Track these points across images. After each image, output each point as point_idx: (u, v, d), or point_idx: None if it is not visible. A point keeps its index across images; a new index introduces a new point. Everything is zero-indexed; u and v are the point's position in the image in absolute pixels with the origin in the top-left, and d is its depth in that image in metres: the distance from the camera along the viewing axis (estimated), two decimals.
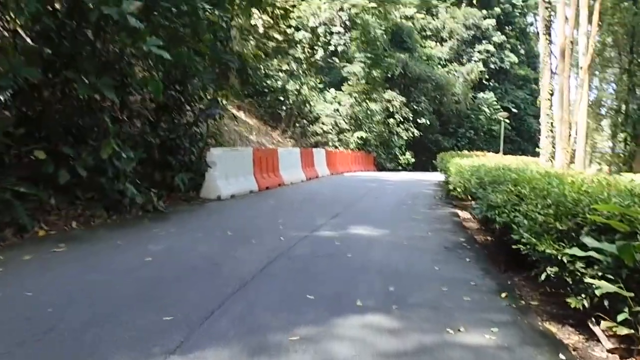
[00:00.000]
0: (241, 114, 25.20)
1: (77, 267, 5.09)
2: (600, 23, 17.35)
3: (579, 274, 3.78)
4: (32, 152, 6.89)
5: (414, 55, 36.37)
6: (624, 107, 26.98)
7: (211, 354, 3.23)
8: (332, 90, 29.33)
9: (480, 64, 41.80)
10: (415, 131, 32.66)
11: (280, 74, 27.75)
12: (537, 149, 53.95)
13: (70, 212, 7.33)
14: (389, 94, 31.58)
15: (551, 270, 4.05)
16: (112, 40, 7.91)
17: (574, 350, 3.78)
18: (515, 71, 45.65)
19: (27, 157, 7.02)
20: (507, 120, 36.85)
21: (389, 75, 31.90)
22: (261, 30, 24.54)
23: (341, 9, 25.18)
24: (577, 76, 16.23)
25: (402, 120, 32.64)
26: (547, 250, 3.92)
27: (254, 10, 24.78)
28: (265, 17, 24.41)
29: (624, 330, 3.47)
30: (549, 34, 16.09)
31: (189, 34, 11.60)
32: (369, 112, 28.47)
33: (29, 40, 7.68)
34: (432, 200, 12.92)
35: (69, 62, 7.45)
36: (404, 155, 32.53)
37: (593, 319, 3.86)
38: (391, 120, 32.05)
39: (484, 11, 42.95)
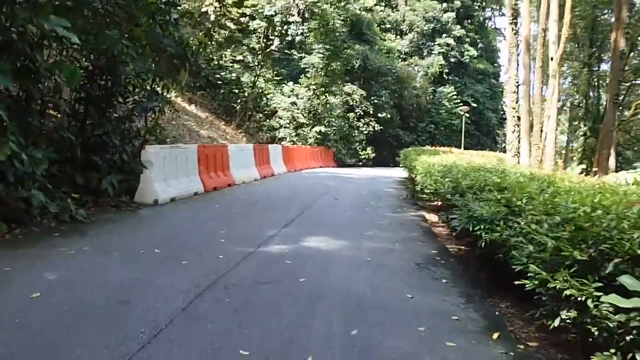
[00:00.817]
0: (192, 108, 23.67)
1: None
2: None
3: (609, 324, 2.73)
4: None
5: (374, 48, 35.46)
6: (583, 101, 26.80)
7: None
8: (290, 83, 28.06)
9: (441, 58, 41.33)
10: (376, 125, 31.76)
11: (234, 65, 26.28)
12: (496, 144, 54.64)
13: None
14: (348, 87, 30.54)
15: (568, 314, 3.00)
16: (11, 16, 6.44)
17: None
18: (475, 65, 45.47)
19: None
20: (467, 115, 36.51)
21: (349, 68, 30.85)
22: (212, 17, 23.05)
23: None
24: (540, 68, 15.52)
25: (362, 114, 31.68)
26: (567, 291, 2.86)
27: None
28: (216, 3, 22.95)
29: None
30: (515, 24, 15.33)
31: (122, 16, 10.20)
32: (328, 105, 27.33)
33: None
34: (397, 200, 11.90)
35: None
36: (365, 150, 31.59)
37: None
38: (351, 115, 31.04)
39: (444, 4, 42.49)
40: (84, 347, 3.26)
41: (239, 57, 24.98)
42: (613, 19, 26.69)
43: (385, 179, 19.22)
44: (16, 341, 3.32)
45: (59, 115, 8.85)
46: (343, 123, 29.50)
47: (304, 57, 26.76)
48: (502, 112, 51.89)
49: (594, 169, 22.58)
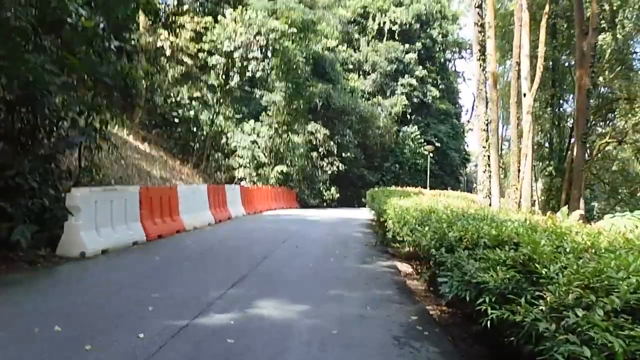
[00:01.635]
0: (145, 146, 22.19)
1: None
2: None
3: None
4: None
5: (337, 87, 34.95)
6: (547, 140, 26.64)
7: None
8: (252, 121, 26.99)
9: (404, 98, 41.25)
10: (340, 165, 30.87)
11: (192, 102, 25.07)
12: (459, 183, 54.69)
13: None
14: (312, 126, 29.68)
15: None
16: None
17: None
18: (437, 105, 45.63)
19: None
20: (431, 154, 36.16)
21: (312, 107, 30.10)
22: (168, 52, 21.96)
23: (259, 33, 23.08)
24: (516, 104, 14.85)
25: (326, 153, 30.79)
26: None
27: (161, 31, 22.33)
28: (172, 38, 21.92)
29: None
30: (484, 60, 14.74)
31: (52, 41, 8.95)
32: (290, 144, 26.28)
33: None
34: (365, 248, 10.70)
35: None
36: (329, 190, 30.55)
37: None
38: (314, 154, 30.09)
39: (406, 45, 42.75)
40: None
41: (197, 94, 23.76)
42: (574, 61, 27.01)
43: (351, 221, 18.07)
44: None
45: None
46: (306, 163, 28.48)
47: (265, 94, 25.80)
48: (464, 152, 52.26)
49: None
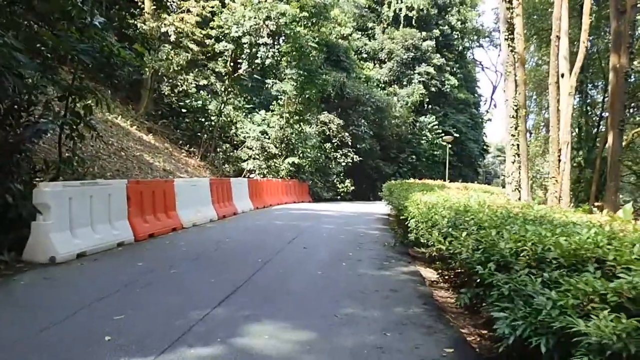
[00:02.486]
0: (150, 138, 21.13)
1: None
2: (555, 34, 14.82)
3: None
4: None
5: (352, 76, 33.60)
6: (576, 129, 25.01)
7: None
8: (262, 112, 25.78)
9: (421, 87, 39.70)
10: (355, 157, 29.55)
11: (201, 92, 23.91)
12: (478, 175, 53.06)
13: None
14: (325, 116, 28.39)
15: None
16: None
17: None
18: (455, 94, 44.05)
19: None
20: (450, 145, 34.70)
21: (325, 96, 28.79)
22: (173, 38, 20.80)
23: (268, 18, 21.79)
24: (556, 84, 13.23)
25: (340, 144, 29.49)
26: None
27: (165, 15, 21.16)
28: (178, 23, 20.75)
29: None
30: (512, 39, 13.30)
31: (21, 14, 7.82)
32: (302, 135, 25.01)
33: None
34: (382, 249, 9.43)
35: None
36: (343, 183, 29.26)
37: None
38: (328, 145, 28.82)
39: (423, 32, 41.13)
40: None
41: (203, 82, 22.56)
42: (602, 45, 25.28)
43: (366, 216, 16.82)
44: None
45: None
46: (319, 154, 27.19)
47: (276, 83, 24.52)
48: (483, 143, 50.52)
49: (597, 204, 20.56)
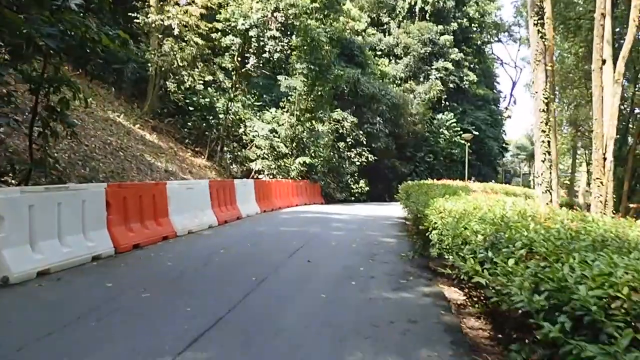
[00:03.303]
0: (154, 137, 20.14)
1: None
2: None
3: None
4: None
5: (366, 72, 32.32)
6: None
7: None
8: (273, 109, 24.67)
9: (439, 83, 38.23)
10: (370, 156, 28.26)
11: (208, 89, 22.86)
12: (497, 174, 51.35)
13: None
14: (338, 114, 27.12)
15: None
16: None
17: None
18: (474, 91, 42.47)
19: None
20: (468, 143, 33.27)
21: (339, 93, 27.53)
22: (176, 32, 19.78)
23: (277, 9, 20.63)
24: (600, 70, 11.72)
25: (354, 143, 28.23)
26: None
27: (168, 8, 20.16)
28: (182, 16, 19.72)
29: None
30: (542, 24, 11.95)
31: None
32: (314, 133, 23.80)
33: None
34: (398, 262, 8.19)
35: None
36: (357, 183, 28.02)
37: None
38: (341, 144, 27.57)
39: (440, 26, 39.65)
40: None
41: (209, 78, 21.49)
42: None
43: (381, 220, 15.58)
44: None
45: None
46: (332, 153, 25.96)
47: (286, 78, 23.35)
48: (502, 141, 48.81)
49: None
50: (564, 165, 32.53)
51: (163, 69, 20.01)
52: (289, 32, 22.44)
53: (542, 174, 12.03)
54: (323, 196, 24.95)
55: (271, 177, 21.39)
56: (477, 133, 38.86)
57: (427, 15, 39.79)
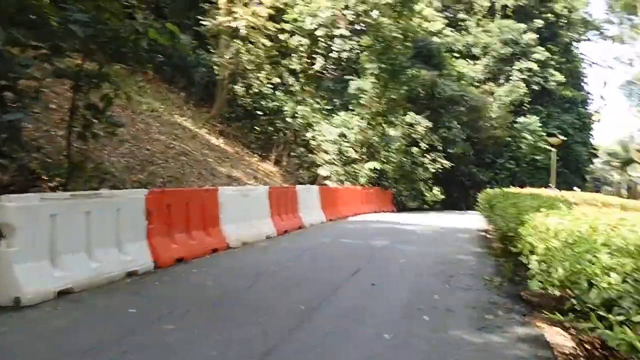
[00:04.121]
0: (220, 141, 19.71)
1: None
2: None
3: None
4: None
5: (444, 73, 30.55)
6: None
7: None
8: (342, 113, 23.63)
9: (521, 84, 35.61)
10: (445, 162, 26.45)
11: (276, 92, 22.24)
12: (585, 182, 47.40)
13: None
14: (410, 117, 25.60)
15: None
16: None
17: None
18: (561, 92, 39.25)
19: None
20: (555, 149, 30.57)
21: (413, 95, 26.00)
22: (244, 33, 19.25)
23: (346, 7, 19.57)
24: None
25: (428, 148, 26.55)
26: None
27: (236, 9, 19.71)
28: (249, 17, 19.17)
29: None
30: None
31: None
32: (385, 138, 22.48)
33: None
34: (481, 288, 6.75)
35: None
36: (431, 191, 26.34)
37: None
38: (415, 149, 25.99)
39: (523, 24, 36.98)
40: None
41: (276, 80, 20.80)
42: None
43: (458, 232, 13.99)
44: None
45: None
46: (404, 159, 24.46)
47: (354, 79, 22.22)
48: (591, 146, 44.95)
49: None
50: None
51: (231, 72, 19.55)
52: (359, 31, 21.34)
53: None
54: (394, 204, 23.56)
55: (339, 183, 20.30)
56: (564, 138, 35.80)
57: (510, 11, 37.26)
